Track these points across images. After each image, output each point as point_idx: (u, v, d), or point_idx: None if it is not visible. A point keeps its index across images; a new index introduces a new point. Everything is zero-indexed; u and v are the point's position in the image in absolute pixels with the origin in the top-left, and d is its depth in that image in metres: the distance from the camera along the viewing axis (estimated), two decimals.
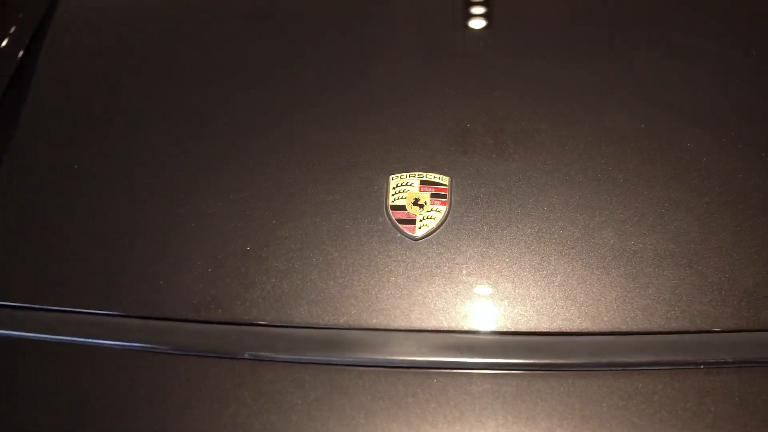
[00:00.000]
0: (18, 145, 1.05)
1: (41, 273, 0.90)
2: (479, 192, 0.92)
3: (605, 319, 0.82)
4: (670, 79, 1.06)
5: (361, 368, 0.81)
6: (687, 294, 0.84)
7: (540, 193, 0.92)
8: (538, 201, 0.91)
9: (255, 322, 0.85)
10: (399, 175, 0.94)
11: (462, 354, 0.81)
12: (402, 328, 0.84)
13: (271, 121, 1.03)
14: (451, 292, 0.85)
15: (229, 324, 0.85)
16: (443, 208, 0.91)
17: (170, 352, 0.84)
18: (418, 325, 0.84)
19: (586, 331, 0.82)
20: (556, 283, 0.85)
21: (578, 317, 0.82)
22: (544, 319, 0.83)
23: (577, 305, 0.83)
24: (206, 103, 1.07)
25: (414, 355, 0.82)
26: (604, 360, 0.80)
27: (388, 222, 0.90)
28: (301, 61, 1.11)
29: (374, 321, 0.84)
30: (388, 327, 0.84)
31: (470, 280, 0.86)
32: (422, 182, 0.94)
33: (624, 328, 0.82)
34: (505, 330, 0.83)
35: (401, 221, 0.90)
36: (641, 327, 0.82)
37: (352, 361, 0.82)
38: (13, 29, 1.22)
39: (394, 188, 0.93)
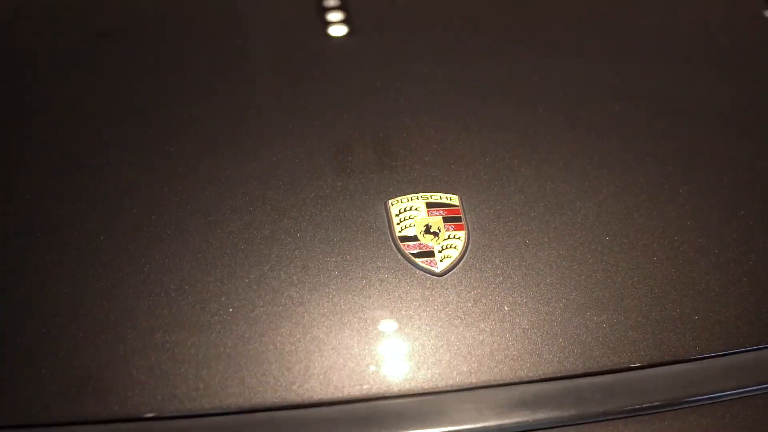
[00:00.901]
0: None
1: None
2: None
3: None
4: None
5: None
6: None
7: (569, 198, 0.80)
8: (568, 208, 0.80)
9: (271, 407, 0.67)
10: (399, 198, 0.79)
11: (536, 408, 0.68)
12: (452, 388, 0.69)
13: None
14: (497, 333, 0.72)
15: (242, 413, 0.66)
16: (462, 234, 0.77)
17: None
18: (469, 381, 0.69)
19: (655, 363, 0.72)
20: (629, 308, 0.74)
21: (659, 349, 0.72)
22: (622, 353, 0.71)
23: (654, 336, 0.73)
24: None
25: (477, 421, 0.67)
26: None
27: (401, 258, 0.75)
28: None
29: (415, 384, 0.69)
30: (434, 389, 0.69)
31: (516, 316, 0.73)
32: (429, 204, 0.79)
33: None
34: (581, 372, 0.70)
35: (416, 255, 0.75)
36: None
37: None
38: None
39: (397, 215, 0.78)
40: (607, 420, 0.68)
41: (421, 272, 0.74)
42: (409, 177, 0.81)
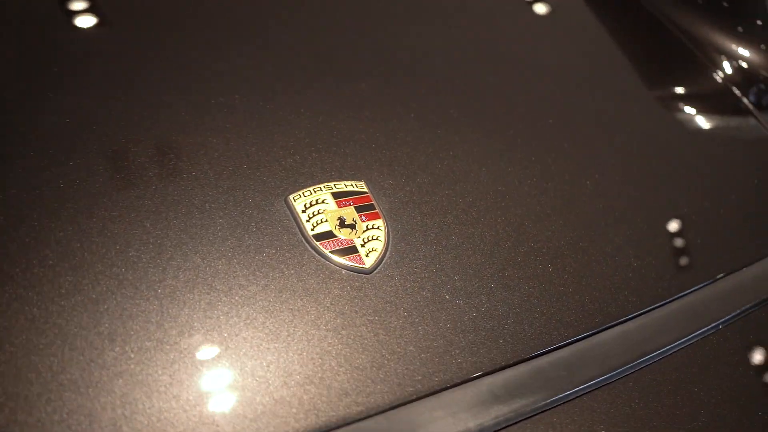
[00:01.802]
0: None
1: None
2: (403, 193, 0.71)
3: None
4: None
5: None
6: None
7: (470, 168, 0.74)
8: (473, 176, 0.74)
9: None
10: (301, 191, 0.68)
11: (510, 399, 0.61)
12: (415, 396, 0.60)
13: None
14: (446, 326, 0.64)
15: None
16: (380, 223, 0.68)
17: None
18: (430, 385, 0.61)
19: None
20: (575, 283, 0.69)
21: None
22: (572, 324, 0.67)
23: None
24: None
25: (456, 426, 0.59)
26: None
27: (321, 258, 0.64)
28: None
29: (374, 400, 0.59)
30: (396, 401, 0.59)
31: (461, 303, 0.65)
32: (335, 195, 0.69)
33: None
34: (540, 351, 0.64)
35: (337, 252, 0.65)
36: None
37: None
38: None
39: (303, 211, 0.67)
40: (579, 396, 0.64)
41: (348, 271, 0.64)
42: (303, 168, 0.70)
